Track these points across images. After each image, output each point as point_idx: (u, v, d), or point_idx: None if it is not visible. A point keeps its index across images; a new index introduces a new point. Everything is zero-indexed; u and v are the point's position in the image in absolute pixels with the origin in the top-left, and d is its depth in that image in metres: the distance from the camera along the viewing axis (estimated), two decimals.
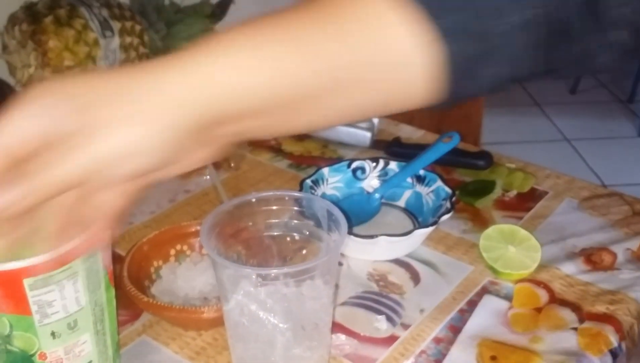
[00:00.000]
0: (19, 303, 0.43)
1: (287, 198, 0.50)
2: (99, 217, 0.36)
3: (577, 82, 2.91)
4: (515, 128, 2.61)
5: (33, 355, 0.45)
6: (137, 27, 0.93)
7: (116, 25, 0.90)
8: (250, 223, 0.49)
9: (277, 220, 0.50)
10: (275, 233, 0.50)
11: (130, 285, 0.55)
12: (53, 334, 0.44)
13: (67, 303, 0.44)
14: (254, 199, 0.49)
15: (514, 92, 2.94)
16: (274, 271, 0.43)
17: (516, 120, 2.68)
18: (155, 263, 0.60)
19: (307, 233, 0.50)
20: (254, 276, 0.43)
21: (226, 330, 0.48)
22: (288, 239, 0.51)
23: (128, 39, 0.92)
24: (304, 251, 0.51)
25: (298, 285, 0.44)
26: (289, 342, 0.45)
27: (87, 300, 0.45)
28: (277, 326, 0.44)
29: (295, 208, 0.49)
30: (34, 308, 0.43)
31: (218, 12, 1.03)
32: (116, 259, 0.55)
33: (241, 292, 0.43)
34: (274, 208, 0.49)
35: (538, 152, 2.45)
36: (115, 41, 0.90)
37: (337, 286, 0.59)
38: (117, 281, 0.54)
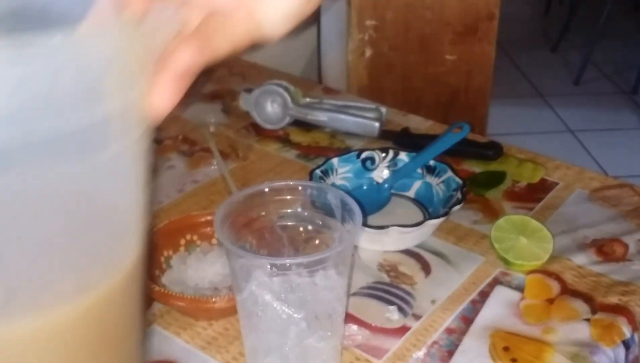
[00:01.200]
0: None
1: (300, 188, 0.49)
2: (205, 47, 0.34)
3: (581, 73, 2.89)
4: (519, 119, 2.60)
5: None
6: None
7: None
8: (263, 213, 0.49)
9: (289, 210, 0.50)
10: (288, 223, 0.50)
11: None
12: None
13: None
14: (266, 189, 0.49)
15: (517, 83, 2.93)
16: (288, 261, 0.43)
17: (519, 111, 2.67)
18: (165, 253, 0.60)
19: (320, 223, 0.50)
20: (267, 266, 0.43)
21: (239, 320, 0.48)
22: (300, 229, 0.50)
23: None
24: (317, 241, 0.51)
25: (312, 275, 0.43)
26: (302, 332, 0.44)
27: None
28: (291, 316, 0.44)
29: (308, 198, 0.49)
30: None
31: None
32: None
33: (255, 282, 0.43)
34: (287, 197, 0.49)
35: (542, 143, 2.45)
36: None
37: (350, 276, 0.58)
38: None
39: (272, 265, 0.43)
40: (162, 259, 0.60)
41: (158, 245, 0.60)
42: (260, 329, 0.45)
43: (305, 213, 0.49)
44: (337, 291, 0.45)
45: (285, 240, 0.51)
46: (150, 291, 0.53)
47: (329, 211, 0.49)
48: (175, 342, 0.55)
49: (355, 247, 0.64)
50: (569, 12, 3.30)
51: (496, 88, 1.48)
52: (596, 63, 3.02)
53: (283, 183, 0.49)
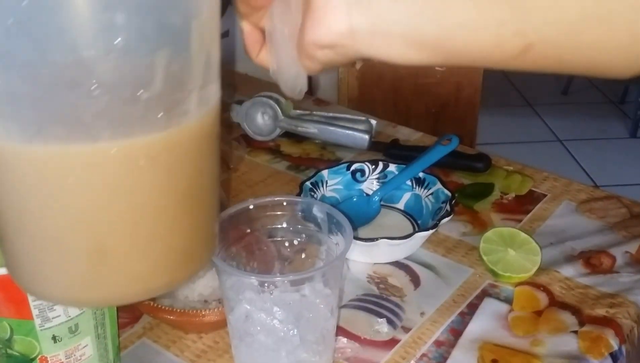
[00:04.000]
0: (20, 307, 0.42)
1: (285, 203, 0.49)
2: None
3: (569, 83, 2.92)
4: (507, 128, 2.62)
5: (34, 359, 0.44)
6: None
7: None
8: (248, 230, 0.49)
9: (276, 226, 0.50)
10: (276, 238, 0.50)
11: None
12: (54, 338, 0.44)
13: (69, 307, 0.44)
14: (251, 206, 0.49)
15: (506, 92, 2.95)
16: (277, 279, 0.43)
17: (508, 120, 2.69)
18: None
19: (307, 236, 0.50)
20: (256, 284, 0.43)
21: (230, 338, 0.48)
22: (287, 244, 0.51)
23: None
24: (303, 255, 0.51)
25: (303, 290, 0.43)
26: (295, 347, 0.44)
27: None
28: (283, 332, 0.44)
29: (295, 213, 0.49)
30: (35, 312, 0.43)
31: None
32: None
33: (245, 299, 0.43)
34: (273, 213, 0.49)
35: (530, 152, 2.46)
36: None
37: (341, 289, 0.59)
38: None
39: (261, 283, 0.43)
40: None
41: None
42: (254, 347, 0.45)
43: (291, 228, 0.50)
44: (328, 304, 0.46)
45: (273, 253, 0.52)
46: (139, 304, 0.53)
47: (316, 225, 0.49)
48: (164, 355, 0.55)
49: (346, 259, 0.65)
50: None
51: (485, 97, 1.50)
52: None
53: (268, 199, 0.49)
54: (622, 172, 2.35)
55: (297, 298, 0.43)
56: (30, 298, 0.42)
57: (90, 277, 0.35)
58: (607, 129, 2.66)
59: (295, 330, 0.44)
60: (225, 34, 1.07)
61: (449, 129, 1.41)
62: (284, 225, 0.50)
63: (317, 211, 0.48)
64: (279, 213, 0.49)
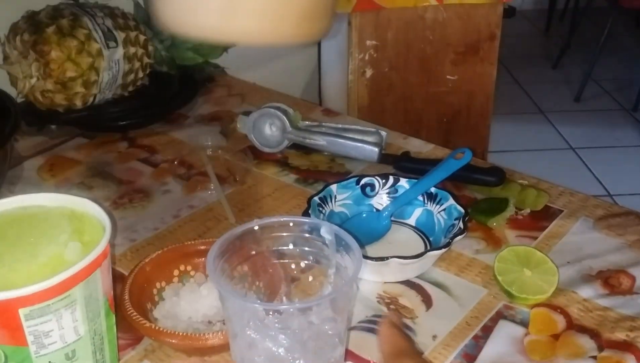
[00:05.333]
0: (14, 334, 0.40)
1: (291, 224, 0.47)
2: None
3: (582, 90, 2.89)
4: (520, 136, 2.59)
5: None
6: (142, 37, 0.92)
7: (120, 35, 0.88)
8: (254, 252, 0.47)
9: (283, 247, 0.48)
10: (282, 260, 0.48)
11: (131, 309, 0.53)
12: None
13: (65, 333, 0.42)
14: (257, 227, 0.47)
15: (518, 99, 2.92)
16: (283, 307, 0.41)
17: (520, 128, 2.66)
18: (157, 285, 0.58)
19: (313, 258, 0.48)
20: (261, 310, 0.41)
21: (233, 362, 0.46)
22: (293, 265, 0.49)
23: (132, 50, 0.90)
24: (310, 277, 0.49)
25: (310, 317, 0.41)
26: None
27: (86, 329, 0.43)
28: (289, 361, 0.42)
29: (302, 233, 0.47)
30: (30, 338, 0.41)
31: None
32: (117, 278, 0.53)
33: (249, 327, 0.41)
34: (279, 234, 0.47)
35: (542, 161, 2.43)
36: (119, 51, 0.88)
37: (351, 312, 0.56)
38: (118, 304, 0.52)
39: (266, 310, 0.41)
40: (155, 291, 0.58)
41: (150, 276, 0.58)
42: None
43: (298, 249, 0.48)
44: (337, 331, 0.44)
45: (281, 276, 0.50)
46: (140, 327, 0.52)
47: (323, 245, 0.47)
48: None
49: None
50: (569, 29, 3.30)
51: (496, 105, 1.47)
52: (597, 80, 3.01)
53: (274, 219, 0.47)
54: (636, 180, 2.31)
55: (305, 324, 0.41)
56: (25, 325, 0.40)
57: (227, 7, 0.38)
58: (620, 136, 2.63)
59: (302, 361, 0.42)
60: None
61: (460, 137, 1.39)
62: (290, 247, 0.48)
63: (325, 233, 0.46)
64: (285, 234, 0.47)
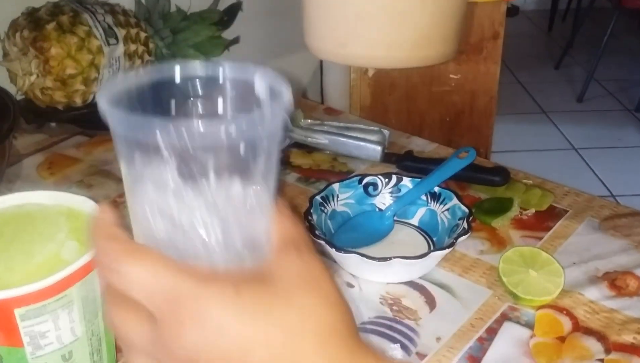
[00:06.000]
0: (10, 335, 0.40)
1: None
2: None
3: (584, 91, 2.88)
4: (522, 136, 2.58)
5: None
6: (142, 35, 0.91)
7: (121, 32, 0.88)
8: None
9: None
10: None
11: None
12: None
13: (62, 334, 0.41)
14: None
15: (520, 100, 2.91)
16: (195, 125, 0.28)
17: (523, 128, 2.65)
18: None
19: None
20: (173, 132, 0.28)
21: (134, 234, 0.32)
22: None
23: (133, 47, 0.89)
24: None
25: (229, 184, 0.31)
26: (220, 262, 0.31)
27: (84, 330, 0.42)
28: (203, 239, 0.31)
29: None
30: (25, 339, 0.40)
31: (225, 19, 1.00)
32: None
33: (153, 182, 0.30)
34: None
35: (545, 161, 2.42)
36: (120, 49, 0.87)
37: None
38: None
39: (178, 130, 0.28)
40: None
41: None
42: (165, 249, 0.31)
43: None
44: (261, 203, 0.32)
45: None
46: None
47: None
48: None
49: (356, 278, 0.61)
50: (572, 30, 3.29)
51: (499, 105, 1.46)
52: (599, 80, 3.00)
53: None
54: (639, 180, 2.30)
55: (221, 195, 0.30)
56: (20, 325, 0.39)
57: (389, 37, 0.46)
58: (622, 137, 2.62)
59: (218, 238, 0.31)
60: (235, 40, 1.04)
61: (463, 137, 1.38)
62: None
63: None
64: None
